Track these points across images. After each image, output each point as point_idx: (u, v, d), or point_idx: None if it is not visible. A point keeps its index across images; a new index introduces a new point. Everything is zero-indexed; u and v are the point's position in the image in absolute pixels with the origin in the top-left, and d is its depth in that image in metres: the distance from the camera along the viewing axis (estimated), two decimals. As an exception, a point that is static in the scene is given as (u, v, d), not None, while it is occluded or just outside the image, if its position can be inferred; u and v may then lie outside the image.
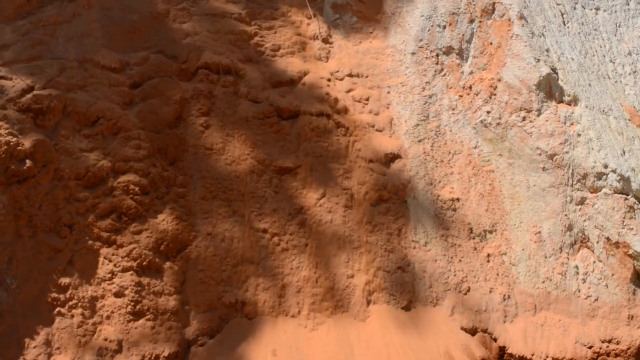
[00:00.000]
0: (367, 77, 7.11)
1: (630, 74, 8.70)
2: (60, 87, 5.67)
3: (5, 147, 4.96)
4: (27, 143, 5.12)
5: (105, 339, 4.93)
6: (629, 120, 7.66)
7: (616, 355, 5.92)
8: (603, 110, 7.26)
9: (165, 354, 5.02)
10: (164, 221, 5.53)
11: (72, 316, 4.91)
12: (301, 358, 5.24)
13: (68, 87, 5.74)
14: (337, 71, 7.09)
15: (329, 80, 6.95)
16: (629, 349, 5.94)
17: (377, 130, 6.71)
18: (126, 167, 5.56)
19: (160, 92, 6.12)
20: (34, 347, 4.66)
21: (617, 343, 5.96)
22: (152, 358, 4.95)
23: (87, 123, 5.61)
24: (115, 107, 5.81)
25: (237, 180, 5.98)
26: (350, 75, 7.08)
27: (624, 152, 6.94)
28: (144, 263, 5.29)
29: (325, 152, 6.35)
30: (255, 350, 5.22)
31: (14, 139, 5.04)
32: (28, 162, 5.07)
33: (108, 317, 5.04)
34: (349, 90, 6.93)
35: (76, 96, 5.67)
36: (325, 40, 7.34)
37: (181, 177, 5.84)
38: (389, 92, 7.01)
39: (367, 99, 6.90)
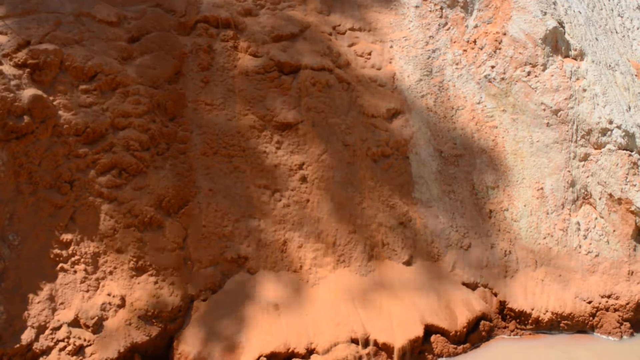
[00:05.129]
0: (369, 31, 6.97)
1: (638, 28, 8.52)
2: (56, 42, 5.55)
3: (2, 102, 4.89)
4: (24, 99, 5.04)
5: (109, 294, 4.96)
6: (636, 75, 7.53)
7: (615, 310, 5.97)
8: (609, 65, 7.13)
9: (169, 308, 5.07)
10: (165, 177, 5.51)
11: (75, 272, 4.94)
12: (303, 312, 5.29)
13: (65, 42, 5.62)
14: (339, 25, 6.94)
15: (330, 34, 6.81)
16: (628, 304, 5.97)
17: (379, 85, 6.61)
18: (126, 123, 5.49)
19: (159, 46, 6.01)
20: (38, 303, 4.69)
21: (617, 298, 6.00)
22: (156, 313, 5.00)
23: (84, 78, 5.52)
24: (113, 61, 5.71)
25: (238, 136, 5.92)
26: (352, 29, 6.93)
27: (629, 107, 6.84)
28: (145, 219, 5.29)
29: (327, 107, 6.27)
30: (258, 304, 5.27)
31: (11, 95, 4.96)
32: (26, 118, 5.01)
33: (111, 273, 5.06)
34: (351, 45, 6.80)
35: (73, 51, 5.56)
36: (327, -7, 7.16)
37: (181, 132, 5.78)
38: (391, 47, 6.88)
39: (370, 54, 6.77)
